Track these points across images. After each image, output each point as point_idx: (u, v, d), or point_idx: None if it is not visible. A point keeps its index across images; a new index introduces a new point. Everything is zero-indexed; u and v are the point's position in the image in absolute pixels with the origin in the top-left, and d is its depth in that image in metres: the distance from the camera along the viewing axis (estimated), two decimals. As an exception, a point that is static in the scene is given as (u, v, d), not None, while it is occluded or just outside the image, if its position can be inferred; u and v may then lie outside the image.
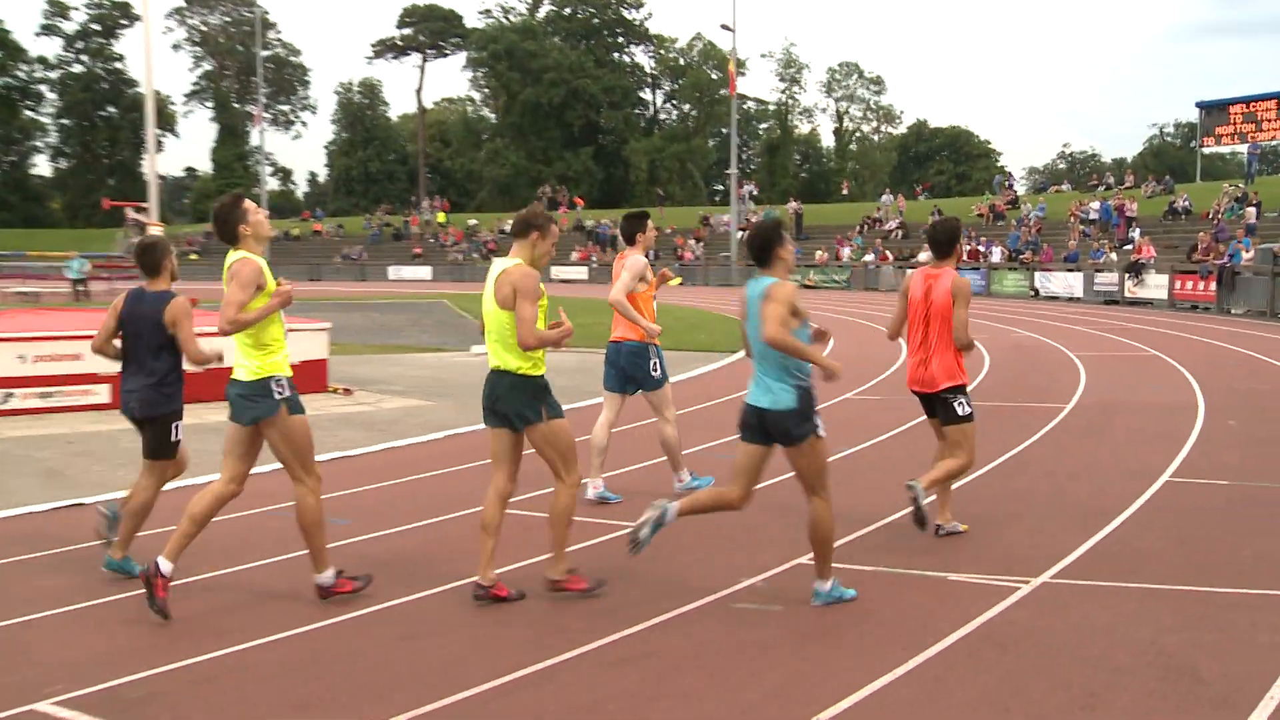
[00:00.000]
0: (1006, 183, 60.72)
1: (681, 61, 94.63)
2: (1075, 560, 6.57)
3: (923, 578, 6.26)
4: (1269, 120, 49.96)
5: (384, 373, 17.22)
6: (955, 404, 7.04)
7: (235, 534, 7.25)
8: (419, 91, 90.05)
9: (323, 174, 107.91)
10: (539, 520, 7.63)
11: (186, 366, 6.29)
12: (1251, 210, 36.81)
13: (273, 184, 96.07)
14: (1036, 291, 38.21)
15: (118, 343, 6.32)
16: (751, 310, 5.71)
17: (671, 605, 5.77)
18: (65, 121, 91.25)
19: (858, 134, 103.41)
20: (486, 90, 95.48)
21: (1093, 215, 43.11)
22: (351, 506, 8.16)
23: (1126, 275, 33.86)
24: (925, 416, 7.40)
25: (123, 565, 6.21)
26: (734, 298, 40.36)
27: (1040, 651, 5.10)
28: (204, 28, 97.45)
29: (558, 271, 56.74)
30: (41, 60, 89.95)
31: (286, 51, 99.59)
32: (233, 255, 5.78)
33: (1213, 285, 30.04)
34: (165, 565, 5.51)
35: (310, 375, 14.55)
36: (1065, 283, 36.63)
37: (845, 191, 74.21)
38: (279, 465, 5.94)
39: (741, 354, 18.89)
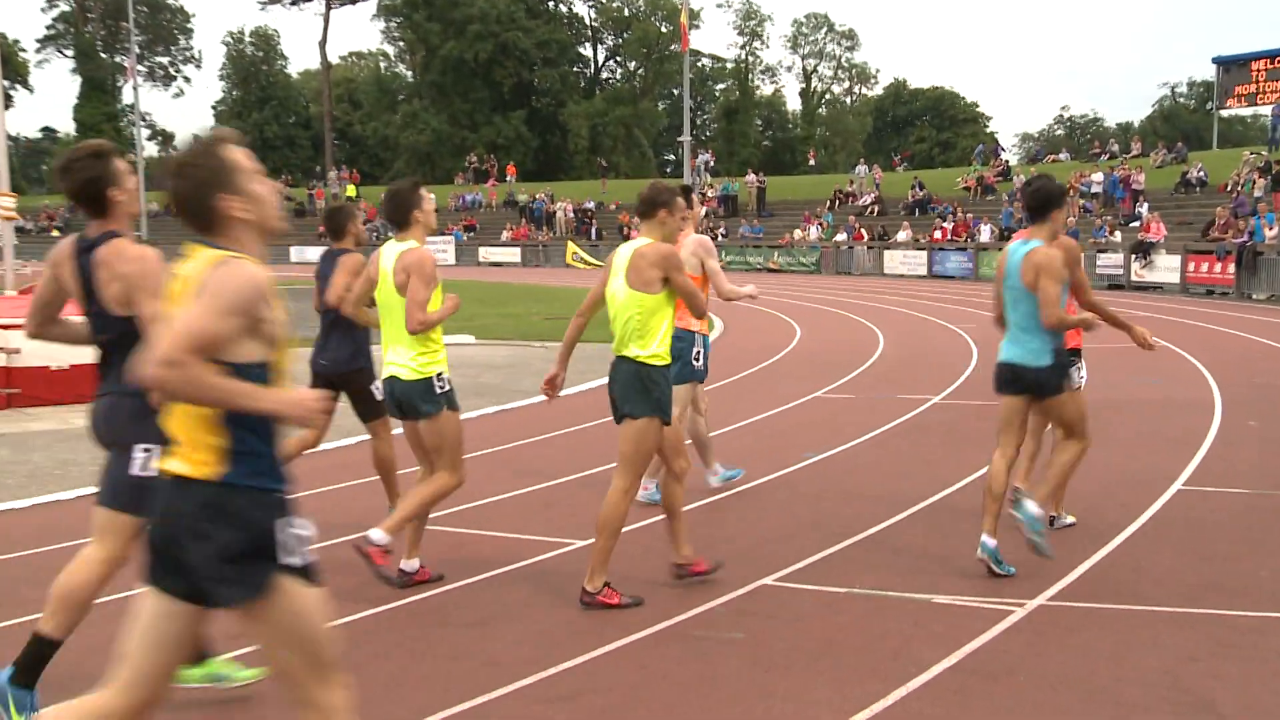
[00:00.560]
0: (996, 151, 61.48)
1: (626, 12, 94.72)
2: (1076, 580, 6.67)
3: (903, 600, 6.32)
4: (1298, 76, 50.64)
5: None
6: (1073, 372, 7.50)
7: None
8: (323, 44, 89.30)
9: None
10: (472, 537, 7.61)
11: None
12: (1265, 181, 37.55)
13: (150, 149, 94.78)
14: (1031, 274, 38.76)
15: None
16: (1013, 269, 6.70)
17: (620, 633, 5.78)
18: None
19: (827, 96, 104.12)
20: (401, 44, 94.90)
21: (1094, 188, 43.73)
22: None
23: (1133, 256, 34.36)
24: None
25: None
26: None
27: (1036, 684, 5.16)
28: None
29: (486, 254, 56.66)
30: None
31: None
32: (400, 244, 6.37)
33: (1231, 267, 30.53)
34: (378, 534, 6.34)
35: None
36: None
37: (813, 162, 74.89)
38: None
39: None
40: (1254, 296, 29.71)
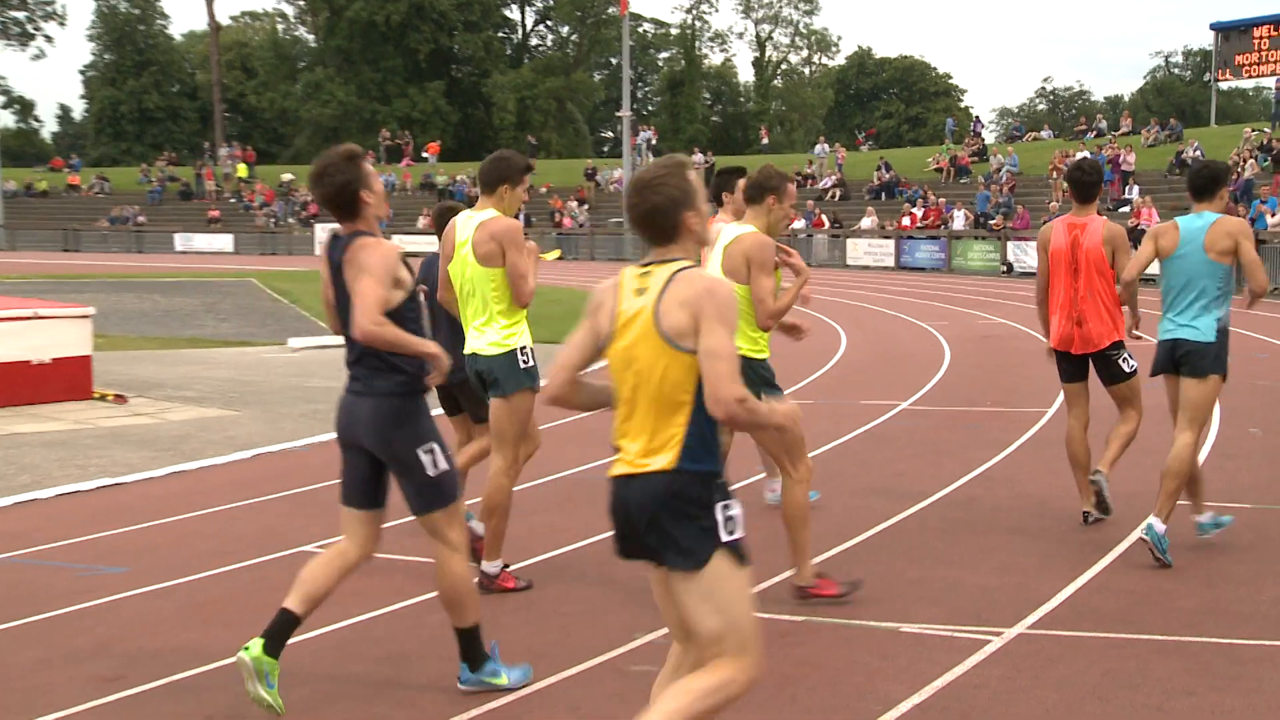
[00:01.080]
0: (971, 128, 62.17)
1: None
2: (1060, 605, 6.75)
3: (868, 630, 6.37)
4: (1305, 45, 51.09)
5: (169, 374, 16.90)
6: (1120, 360, 8.34)
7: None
8: (210, 2, 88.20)
9: (79, 109, 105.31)
10: (383, 563, 7.59)
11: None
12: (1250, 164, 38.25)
13: (6, 119, 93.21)
14: (1009, 266, 39.13)
15: None
16: (1190, 245, 7.44)
17: (549, 670, 5.77)
18: None
19: (783, 67, 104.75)
20: (302, 3, 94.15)
21: (1080, 170, 44.43)
22: (128, 549, 8.00)
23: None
24: (1064, 381, 8.54)
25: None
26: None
27: (1017, 720, 5.22)
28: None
29: (399, 243, 56.36)
30: None
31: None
32: (478, 214, 6.83)
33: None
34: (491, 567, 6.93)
35: (67, 377, 14.20)
36: (1045, 255, 37.65)
37: (767, 140, 75.24)
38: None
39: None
40: (1256, 289, 30.25)
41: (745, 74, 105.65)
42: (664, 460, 3.92)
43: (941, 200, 44.85)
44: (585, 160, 68.89)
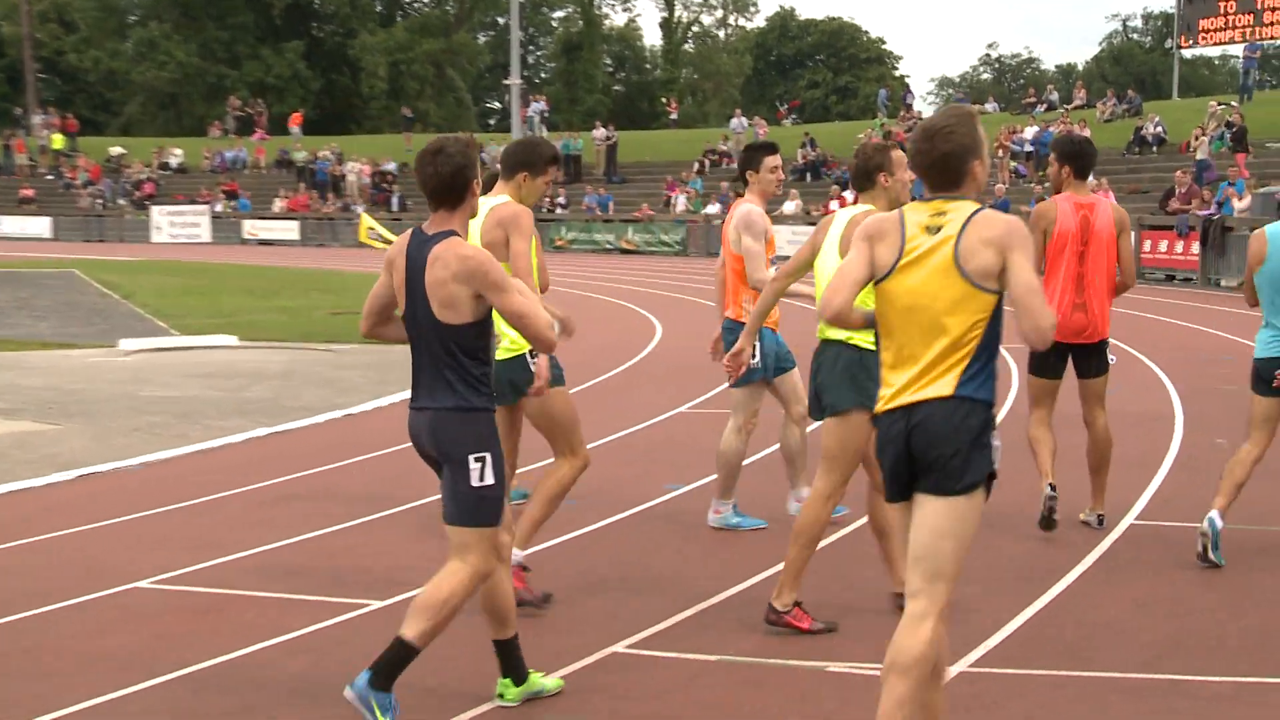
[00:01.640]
0: (906, 100, 62.81)
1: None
2: (1006, 639, 6.85)
3: (789, 669, 6.43)
4: (1273, 9, 51.84)
5: (-25, 382, 16.60)
6: (1108, 351, 8.84)
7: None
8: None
9: None
10: (231, 599, 7.49)
11: None
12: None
13: None
14: (952, 256, 39.75)
15: None
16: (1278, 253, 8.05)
17: (430, 718, 5.79)
18: None
19: (695, 29, 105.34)
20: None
21: (1028, 147, 44.91)
22: (-77, 590, 7.83)
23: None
24: (1043, 376, 9.00)
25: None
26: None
27: (957, 770, 5.29)
28: None
29: (252, 228, 55.85)
30: None
31: None
32: (490, 200, 7.26)
33: (1195, 246, 31.65)
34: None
35: None
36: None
37: (675, 114, 75.46)
38: None
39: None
40: (1222, 283, 30.86)
41: (652, 37, 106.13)
42: (944, 388, 4.69)
43: (875, 181, 45.30)
44: (469, 135, 68.49)
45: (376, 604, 7.47)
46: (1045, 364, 8.96)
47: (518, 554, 7.25)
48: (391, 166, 58.51)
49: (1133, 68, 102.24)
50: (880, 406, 4.83)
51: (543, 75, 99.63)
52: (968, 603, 7.38)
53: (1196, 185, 33.60)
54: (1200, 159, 36.95)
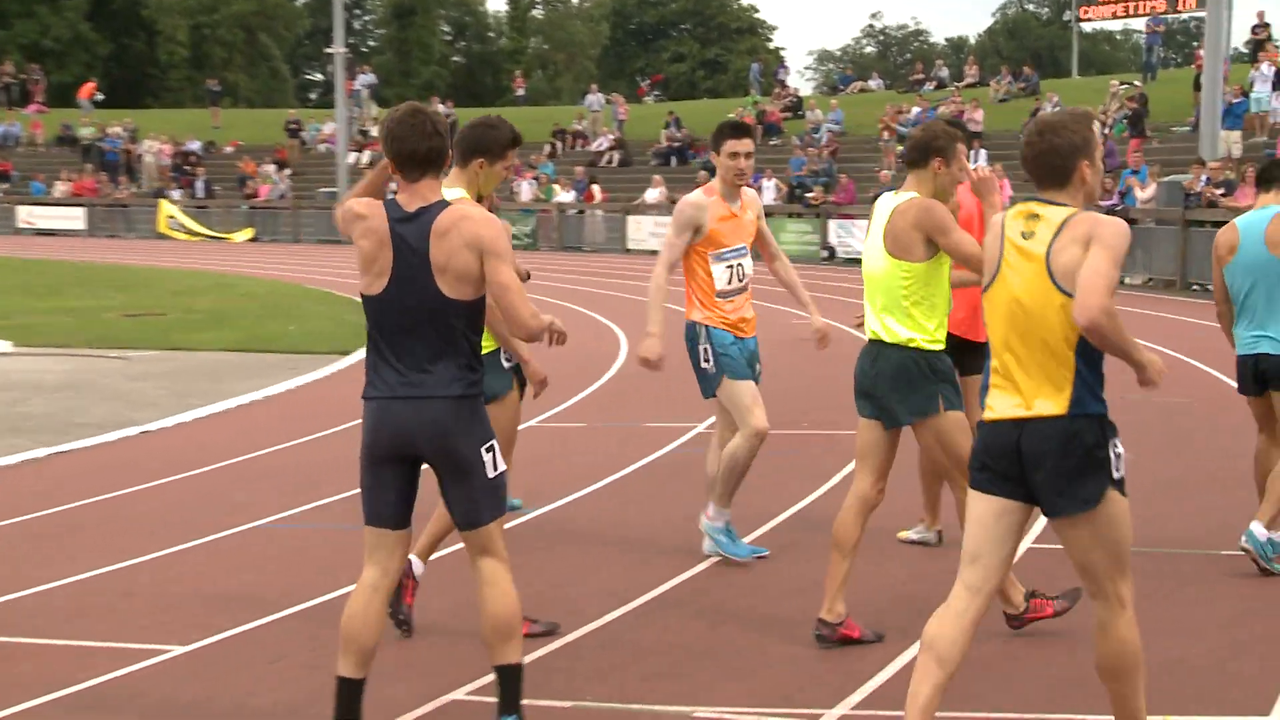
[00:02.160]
0: (779, 74, 63.38)
1: None
2: (890, 679, 6.93)
3: (653, 715, 6.45)
4: (1179, -21, 53.36)
5: None
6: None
7: None
8: None
9: None
10: (10, 648, 7.36)
11: None
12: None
13: None
14: (831, 251, 40.06)
15: None
16: (1253, 241, 8.49)
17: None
18: None
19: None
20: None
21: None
22: None
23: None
24: (963, 374, 8.90)
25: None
26: (341, 260, 40.21)
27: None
28: None
29: (28, 216, 54.72)
30: None
31: None
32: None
33: (1097, 240, 32.43)
34: None
35: None
36: (876, 237, 38.52)
37: (522, 89, 75.35)
38: None
39: (351, 359, 18.84)
40: (1127, 280, 31.48)
41: (496, 2, 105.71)
42: (1055, 405, 5.16)
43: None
44: (286, 111, 67.86)
45: (178, 649, 7.36)
46: (959, 360, 9.12)
47: (418, 564, 7.65)
48: (195, 146, 57.78)
49: (1029, 42, 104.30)
50: (988, 416, 5.30)
51: (371, 43, 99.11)
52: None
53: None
54: (1109, 145, 37.78)
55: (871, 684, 6.81)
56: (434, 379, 5.76)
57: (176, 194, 54.42)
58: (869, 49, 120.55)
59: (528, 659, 7.10)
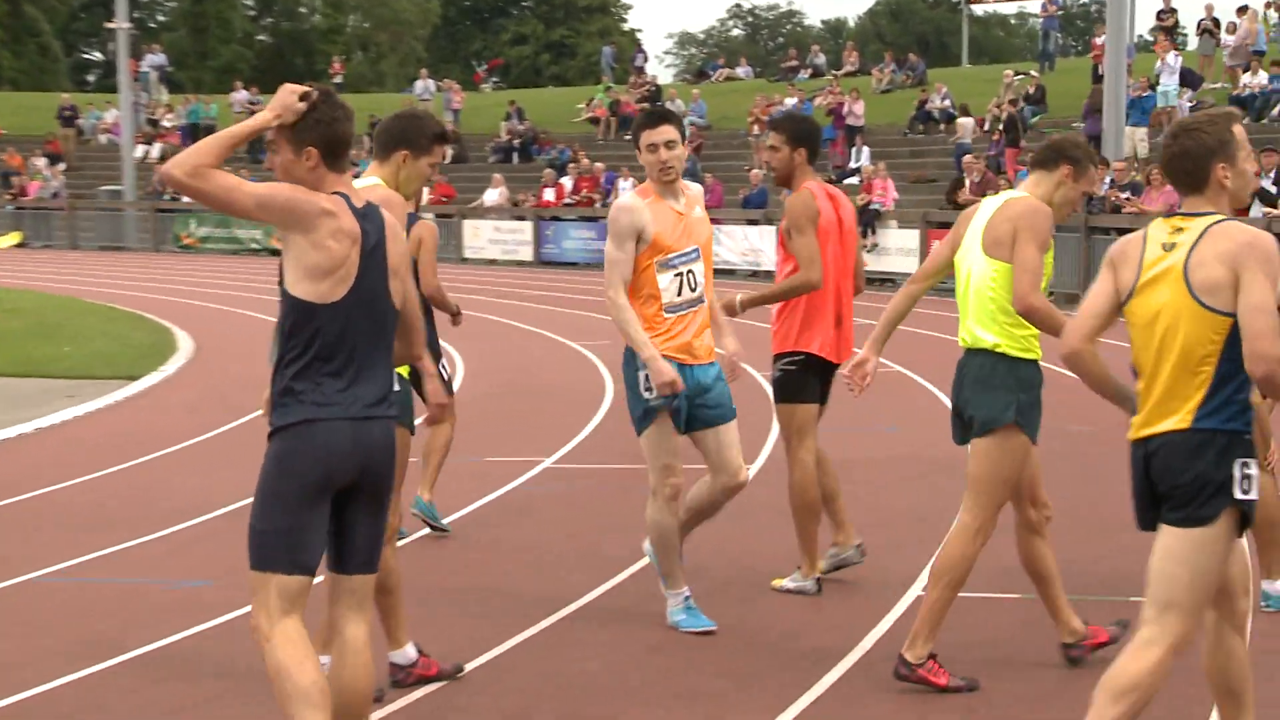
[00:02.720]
0: (635, 60, 63.49)
1: None
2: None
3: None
4: (1076, -38, 54.71)
5: None
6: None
7: None
8: None
9: None
10: None
11: None
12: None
13: None
14: (696, 260, 40.19)
15: None
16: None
17: None
18: None
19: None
20: None
21: (791, 123, 45.89)
22: None
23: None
24: (816, 401, 9.45)
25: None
26: (127, 270, 39.67)
27: None
28: None
29: None
30: None
31: None
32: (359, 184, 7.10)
33: (992, 249, 32.82)
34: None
35: None
36: (744, 244, 38.66)
37: (340, 75, 74.81)
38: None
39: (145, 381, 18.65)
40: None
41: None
42: (1179, 419, 5.57)
43: (599, 165, 45.44)
44: (59, 95, 66.84)
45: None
46: (812, 388, 9.32)
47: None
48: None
49: (914, 26, 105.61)
50: (1130, 435, 5.79)
51: (161, 18, 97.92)
52: (714, 705, 7.53)
53: (992, 173, 34.75)
54: (1001, 142, 38.31)
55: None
56: (381, 397, 5.86)
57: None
58: (736, 32, 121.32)
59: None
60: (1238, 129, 5.58)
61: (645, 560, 10.28)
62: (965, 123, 41.28)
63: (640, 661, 8.27)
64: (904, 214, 36.54)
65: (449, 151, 45.76)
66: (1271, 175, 28.05)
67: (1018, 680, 7.92)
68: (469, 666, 7.97)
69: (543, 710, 7.45)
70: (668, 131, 8.71)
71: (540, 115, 53.33)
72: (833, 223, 9.30)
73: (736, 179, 41.80)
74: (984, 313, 7.62)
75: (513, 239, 43.90)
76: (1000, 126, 39.51)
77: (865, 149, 42.21)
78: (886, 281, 35.32)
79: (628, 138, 52.42)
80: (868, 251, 35.37)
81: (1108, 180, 30.79)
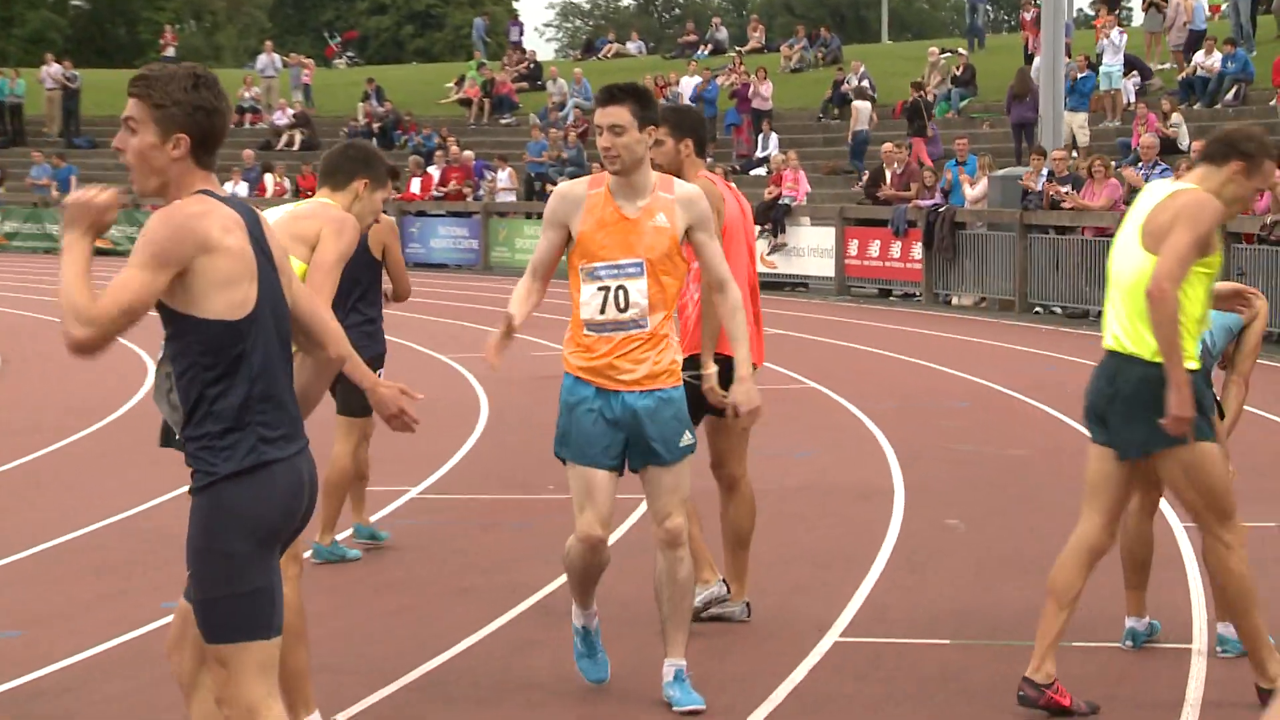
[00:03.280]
0: (514, 37, 63.40)
1: None
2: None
3: None
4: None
5: None
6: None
7: None
8: None
9: None
10: None
11: None
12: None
13: None
14: (582, 260, 40.16)
15: None
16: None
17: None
18: None
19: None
20: None
21: (687, 104, 45.95)
22: None
23: (759, 229, 36.03)
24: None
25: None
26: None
27: None
28: None
29: None
30: None
31: None
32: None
33: (916, 249, 32.85)
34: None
35: None
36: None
37: (171, 47, 74.29)
38: None
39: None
40: (954, 300, 32.34)
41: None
42: None
43: (469, 154, 45.32)
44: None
45: None
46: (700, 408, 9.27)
47: None
48: None
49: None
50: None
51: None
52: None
53: (916, 165, 34.78)
54: (860, 130, 38.58)
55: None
56: (299, 418, 5.78)
57: None
58: (626, 2, 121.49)
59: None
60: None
61: (521, 608, 10.24)
62: (861, 107, 41.20)
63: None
64: (818, 209, 36.62)
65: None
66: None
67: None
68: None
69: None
70: (614, 113, 8.05)
71: (403, 96, 53.20)
72: (738, 219, 9.38)
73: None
74: (1139, 313, 7.81)
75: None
76: (930, 113, 39.69)
77: (774, 136, 42.29)
78: (799, 286, 35.39)
79: (504, 121, 52.48)
80: (776, 252, 35.39)
81: (1044, 173, 30.67)
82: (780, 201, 35.79)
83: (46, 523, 12.45)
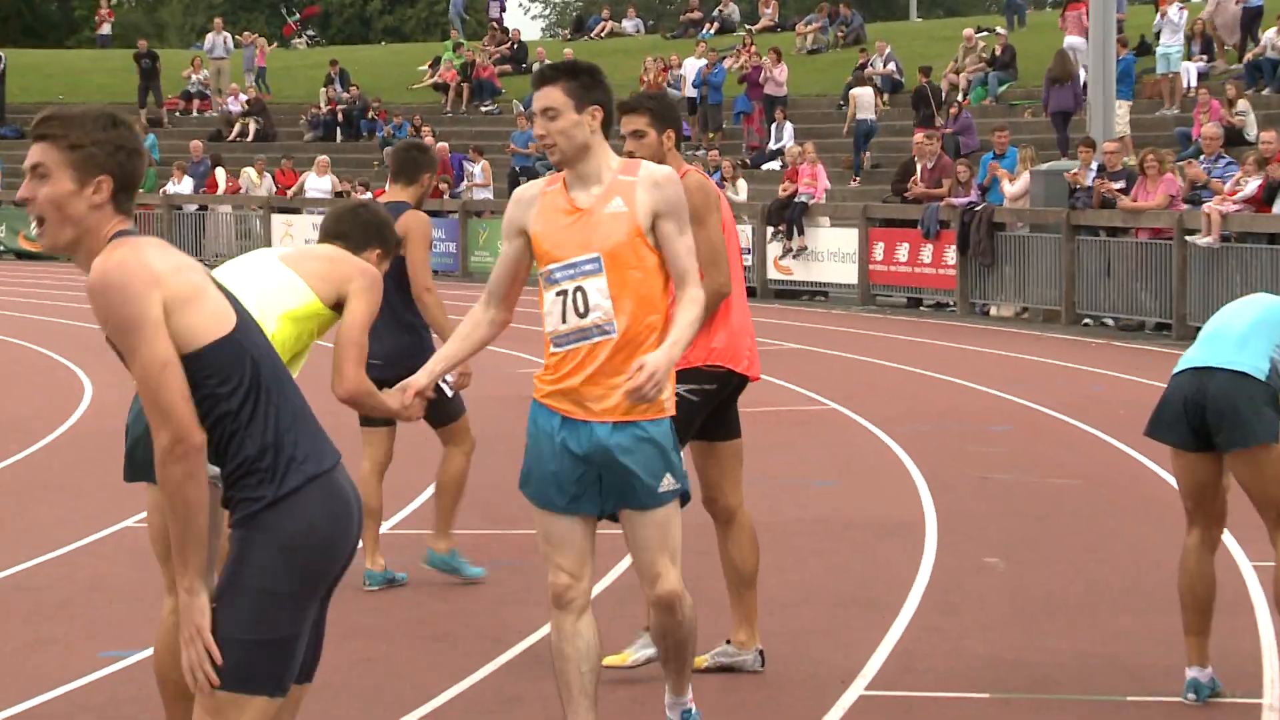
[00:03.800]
0: (491, 10, 63.36)
1: None
2: None
3: None
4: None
5: None
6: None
7: None
8: None
9: None
10: None
11: None
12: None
13: None
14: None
15: None
16: None
17: None
18: None
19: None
20: None
21: (691, 90, 45.76)
22: None
23: (770, 230, 36.18)
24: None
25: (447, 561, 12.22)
26: None
27: None
28: None
29: None
30: None
31: None
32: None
33: (949, 253, 32.74)
34: None
35: None
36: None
37: (107, 27, 74.38)
38: None
39: None
40: (992, 310, 32.31)
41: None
42: None
43: (444, 146, 45.29)
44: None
45: None
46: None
47: None
48: None
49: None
50: None
51: None
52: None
53: (949, 157, 34.63)
54: (964, 118, 38.37)
55: None
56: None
57: None
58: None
59: None
60: None
61: (505, 658, 10.24)
62: (862, 94, 41.11)
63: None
64: (839, 208, 36.53)
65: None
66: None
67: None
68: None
69: None
70: (545, 95, 7.80)
71: (371, 80, 53.17)
72: (729, 218, 9.50)
73: (624, 160, 41.64)
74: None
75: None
76: (961, 100, 39.63)
77: (788, 125, 42.21)
78: (817, 294, 35.19)
79: (484, 109, 52.45)
80: (794, 256, 35.10)
81: (1094, 167, 30.35)
82: (796, 199, 35.44)
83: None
